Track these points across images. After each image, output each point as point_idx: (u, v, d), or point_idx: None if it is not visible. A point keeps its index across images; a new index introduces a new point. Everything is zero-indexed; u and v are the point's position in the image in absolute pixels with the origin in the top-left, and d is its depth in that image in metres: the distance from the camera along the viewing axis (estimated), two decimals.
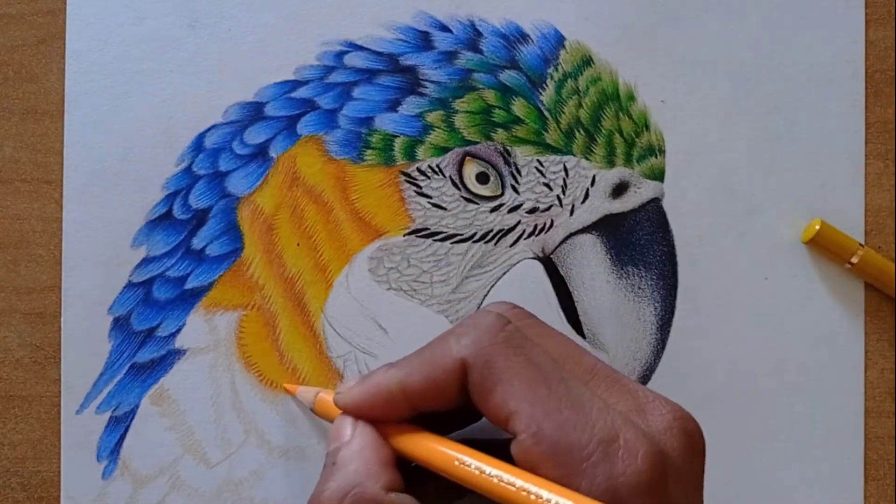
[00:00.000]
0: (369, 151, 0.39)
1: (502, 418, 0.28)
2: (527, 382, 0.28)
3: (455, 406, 0.30)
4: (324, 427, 0.39)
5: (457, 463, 0.28)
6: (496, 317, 0.30)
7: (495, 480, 0.27)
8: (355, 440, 0.30)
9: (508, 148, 0.39)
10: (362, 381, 0.31)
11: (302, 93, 0.39)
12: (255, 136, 0.39)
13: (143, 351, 0.39)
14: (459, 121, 0.39)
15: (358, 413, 0.31)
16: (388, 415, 0.30)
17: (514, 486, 0.27)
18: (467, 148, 0.39)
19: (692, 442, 0.28)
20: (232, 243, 0.39)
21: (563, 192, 0.39)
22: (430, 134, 0.39)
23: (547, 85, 0.39)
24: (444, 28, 0.39)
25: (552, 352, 0.29)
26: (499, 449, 0.28)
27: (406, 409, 0.30)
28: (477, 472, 0.28)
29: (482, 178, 0.39)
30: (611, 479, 0.26)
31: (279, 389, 0.39)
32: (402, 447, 0.30)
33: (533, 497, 0.26)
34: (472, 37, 0.39)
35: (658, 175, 0.40)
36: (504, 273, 0.39)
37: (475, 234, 0.39)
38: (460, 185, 0.39)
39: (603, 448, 0.26)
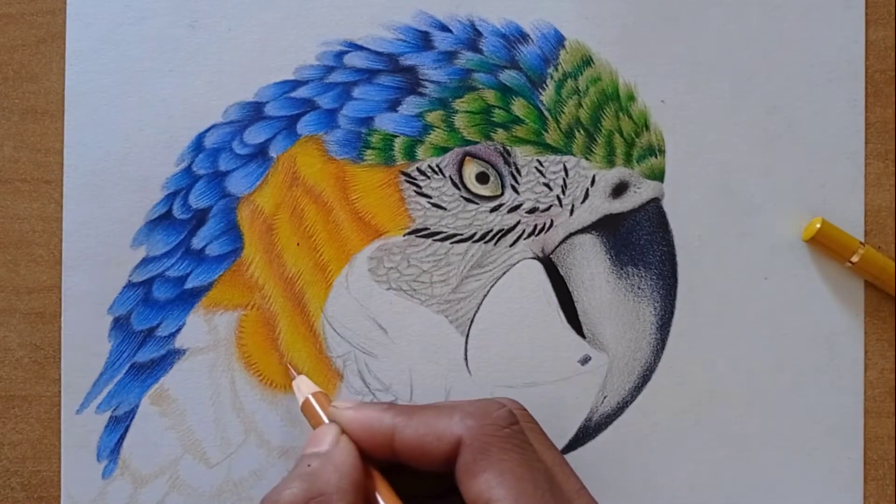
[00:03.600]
0: (369, 151, 0.39)
1: (482, 501, 0.29)
2: (516, 477, 0.29)
3: (433, 471, 0.31)
4: None
5: None
6: (507, 413, 0.31)
7: None
8: (339, 452, 0.31)
9: (508, 148, 0.39)
10: (359, 407, 0.32)
11: (302, 93, 0.39)
12: (254, 135, 0.39)
13: (142, 351, 0.39)
14: (459, 121, 0.39)
15: (348, 435, 0.32)
16: (370, 451, 0.31)
17: None
18: (467, 148, 0.39)
19: None
20: (232, 243, 0.39)
21: (563, 192, 0.39)
22: (429, 134, 0.39)
23: (547, 85, 0.39)
24: (444, 28, 0.39)
25: (547, 462, 0.31)
26: None
27: (388, 454, 0.31)
28: None
29: (482, 178, 0.39)
30: None
31: (279, 389, 0.39)
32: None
33: None
34: (472, 37, 0.39)
35: (658, 175, 0.40)
36: (504, 273, 0.39)
37: (475, 233, 0.39)
38: (460, 185, 0.39)
39: None
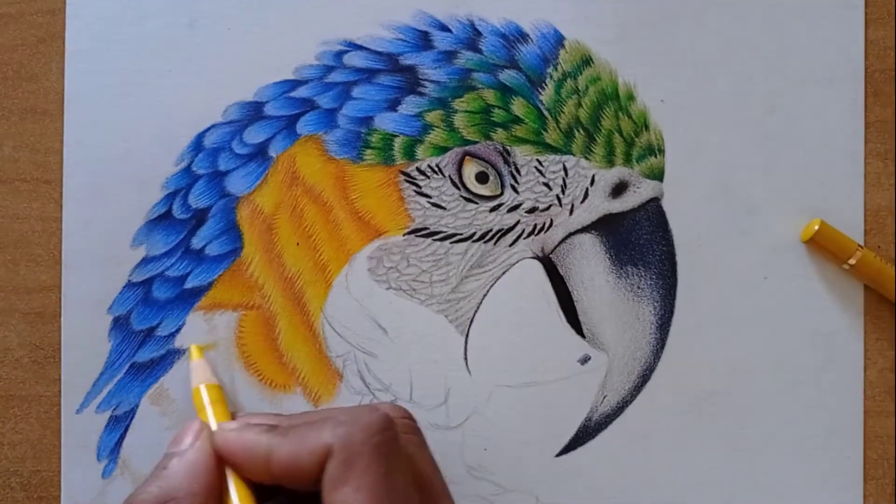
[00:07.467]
0: (369, 151, 0.39)
1: None
2: (373, 494, 0.28)
3: (315, 490, 0.30)
4: None
5: None
6: (381, 417, 0.30)
7: None
8: (192, 453, 0.31)
9: (508, 147, 0.39)
10: (242, 430, 0.32)
11: (301, 92, 0.39)
12: (254, 135, 0.39)
13: (142, 350, 0.39)
14: (459, 120, 0.39)
15: (226, 459, 0.31)
16: (253, 475, 0.31)
17: None
18: (467, 147, 0.39)
19: None
20: (231, 243, 0.39)
21: (563, 192, 0.39)
22: (429, 133, 0.39)
23: (546, 84, 0.39)
24: (443, 28, 0.39)
25: (417, 475, 0.30)
26: None
27: (267, 478, 0.31)
28: None
29: (481, 178, 0.39)
30: None
31: (279, 389, 0.39)
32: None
33: None
34: (472, 36, 0.39)
35: (657, 175, 0.40)
36: (503, 273, 0.39)
37: (475, 233, 0.39)
38: (460, 185, 0.39)
39: None
